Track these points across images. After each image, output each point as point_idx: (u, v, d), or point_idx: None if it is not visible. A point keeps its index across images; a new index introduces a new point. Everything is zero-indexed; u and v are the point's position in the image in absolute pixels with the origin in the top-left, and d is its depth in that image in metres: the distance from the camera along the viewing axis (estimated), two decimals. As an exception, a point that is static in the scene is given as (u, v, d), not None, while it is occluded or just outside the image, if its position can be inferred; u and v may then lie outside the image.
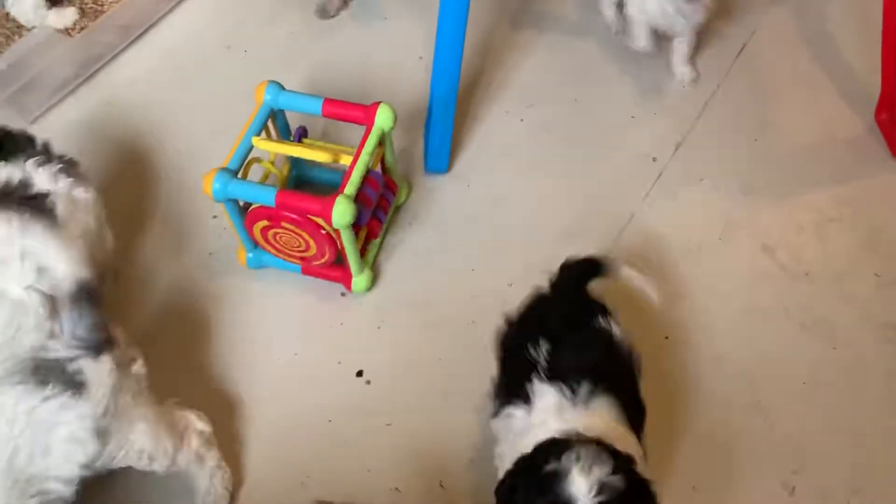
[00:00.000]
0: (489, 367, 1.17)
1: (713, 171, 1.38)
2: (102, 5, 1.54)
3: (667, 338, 1.21)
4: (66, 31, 1.50)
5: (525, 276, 1.26)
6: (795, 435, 1.12)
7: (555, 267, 1.26)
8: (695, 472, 1.09)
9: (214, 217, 1.33)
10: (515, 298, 1.24)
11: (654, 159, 1.39)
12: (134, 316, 1.24)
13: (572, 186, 1.36)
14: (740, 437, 1.12)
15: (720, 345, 1.20)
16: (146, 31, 1.56)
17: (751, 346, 1.20)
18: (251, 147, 1.17)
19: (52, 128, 1.44)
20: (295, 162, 1.34)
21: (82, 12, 1.52)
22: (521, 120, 1.45)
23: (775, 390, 1.16)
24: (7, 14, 1.53)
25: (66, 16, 1.49)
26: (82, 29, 1.49)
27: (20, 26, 1.51)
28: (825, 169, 1.37)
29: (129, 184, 1.38)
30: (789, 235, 1.30)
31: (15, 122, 1.41)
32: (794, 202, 1.35)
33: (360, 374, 1.19)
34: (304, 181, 1.37)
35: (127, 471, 0.98)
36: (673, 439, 1.12)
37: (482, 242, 1.31)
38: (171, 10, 1.59)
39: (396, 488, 1.09)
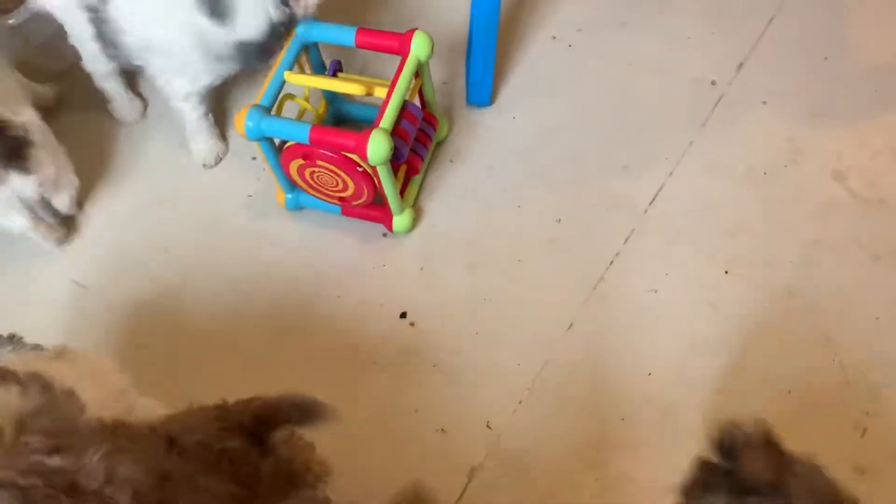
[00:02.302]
0: (535, 307, 1.14)
1: (778, 93, 1.28)
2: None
3: (727, 272, 1.13)
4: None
5: (574, 212, 1.21)
6: (868, 374, 1.05)
7: (604, 202, 1.20)
8: (761, 410, 1.03)
9: (254, 158, 1.30)
10: (564, 234, 1.19)
11: (714, 83, 1.29)
12: (175, 257, 1.23)
13: (624, 115, 1.28)
14: (809, 375, 1.05)
15: (786, 279, 1.12)
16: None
17: (820, 280, 1.12)
18: (283, 82, 1.13)
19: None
20: (332, 98, 1.29)
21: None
22: (570, 46, 1.36)
23: (846, 327, 1.08)
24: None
25: None
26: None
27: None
28: (904, 88, 1.25)
29: (165, 126, 1.36)
30: (863, 161, 1.20)
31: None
32: (868, 125, 1.24)
33: (403, 315, 1.15)
34: (342, 118, 1.32)
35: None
36: (738, 377, 1.06)
37: (528, 177, 1.25)
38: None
39: (442, 429, 1.06)
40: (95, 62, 1.25)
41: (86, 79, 1.30)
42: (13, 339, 0.81)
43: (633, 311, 1.11)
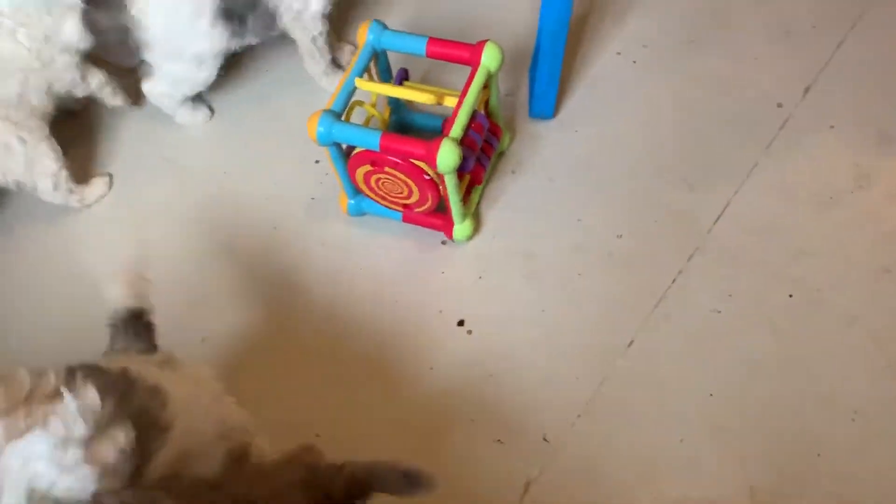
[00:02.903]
0: (595, 322, 1.13)
1: (846, 118, 1.26)
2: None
3: (791, 296, 1.12)
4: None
5: (635, 228, 1.20)
6: (935, 406, 1.03)
7: (667, 219, 1.20)
8: (817, 441, 1.02)
9: (317, 162, 1.32)
10: (625, 250, 1.19)
11: (780, 105, 1.28)
12: (238, 257, 1.25)
13: (689, 134, 1.28)
14: (873, 404, 1.04)
15: (850, 306, 1.11)
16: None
17: (885, 309, 1.10)
18: (354, 88, 1.14)
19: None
20: (395, 106, 1.30)
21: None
22: (634, 62, 1.36)
23: (912, 357, 1.07)
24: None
25: None
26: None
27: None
28: (977, 116, 1.23)
29: (233, 128, 1.38)
30: (933, 188, 1.19)
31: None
32: (938, 153, 1.23)
33: (461, 323, 1.16)
34: (404, 125, 1.33)
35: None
36: (800, 402, 1.05)
37: (589, 191, 1.25)
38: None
39: (499, 440, 1.06)
40: None
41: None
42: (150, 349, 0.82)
43: (695, 331, 1.11)
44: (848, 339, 1.09)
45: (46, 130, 1.22)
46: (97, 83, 1.27)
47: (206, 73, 1.27)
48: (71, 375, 0.68)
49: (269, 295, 1.21)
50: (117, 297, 0.83)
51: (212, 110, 1.39)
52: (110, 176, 1.33)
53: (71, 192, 1.27)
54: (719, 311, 1.12)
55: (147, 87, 1.31)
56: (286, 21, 1.26)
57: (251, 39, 1.27)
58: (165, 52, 1.24)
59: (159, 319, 1.17)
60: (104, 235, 1.29)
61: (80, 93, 1.26)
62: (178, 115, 1.36)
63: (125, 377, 0.71)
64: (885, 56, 1.32)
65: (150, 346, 0.83)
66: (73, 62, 1.20)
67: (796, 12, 1.38)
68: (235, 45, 1.25)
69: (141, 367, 0.73)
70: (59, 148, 1.23)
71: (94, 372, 0.70)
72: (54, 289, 1.24)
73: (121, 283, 0.83)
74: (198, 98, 1.37)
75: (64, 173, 1.24)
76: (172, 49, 1.23)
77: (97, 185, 1.31)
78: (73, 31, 1.17)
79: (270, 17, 1.25)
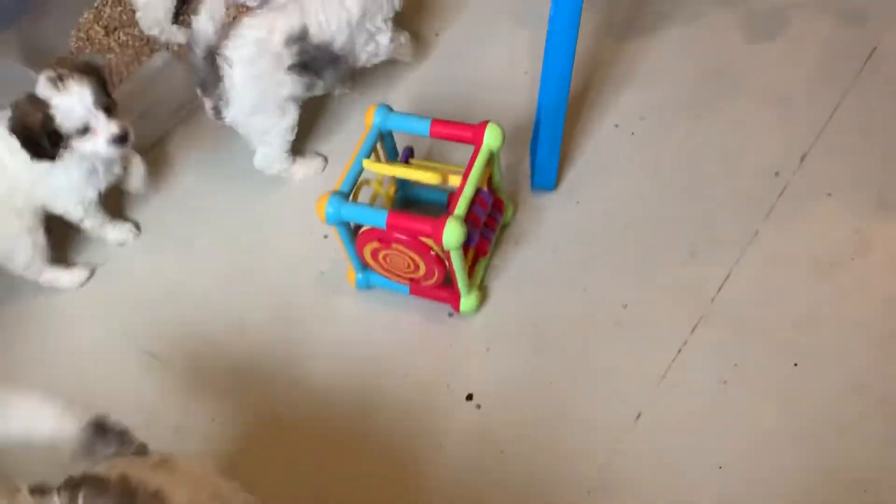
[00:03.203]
0: (603, 394, 1.14)
1: (843, 184, 1.29)
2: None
3: (796, 365, 1.13)
4: (183, 56, 1.55)
5: (640, 297, 1.22)
6: (947, 475, 1.03)
7: (671, 288, 1.21)
8: (832, 512, 1.02)
9: (325, 237, 1.34)
10: (630, 320, 1.20)
11: (777, 173, 1.31)
12: (249, 331, 1.26)
13: (689, 203, 1.30)
14: (883, 476, 1.04)
15: (856, 375, 1.11)
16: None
17: (891, 377, 1.10)
18: (362, 169, 1.17)
19: (166, 151, 1.49)
20: (401, 182, 1.33)
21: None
22: (633, 133, 1.40)
23: (922, 425, 1.07)
24: (127, 41, 1.60)
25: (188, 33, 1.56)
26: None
27: (139, 53, 1.58)
28: (972, 180, 1.26)
29: (244, 208, 1.41)
30: (932, 254, 1.20)
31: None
32: (936, 217, 1.24)
33: (469, 397, 1.17)
34: (410, 201, 1.36)
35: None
36: (810, 474, 1.04)
37: (593, 261, 1.27)
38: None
39: (510, 518, 1.06)
40: None
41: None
42: (125, 437, 0.83)
43: (702, 402, 1.11)
44: (856, 408, 1.09)
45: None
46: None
47: (290, 119, 1.33)
48: (73, 495, 0.69)
49: (278, 370, 1.22)
50: (57, 428, 0.83)
51: (325, 160, 1.43)
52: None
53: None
54: (725, 382, 1.13)
55: (256, 160, 1.38)
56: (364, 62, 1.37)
57: (320, 91, 1.36)
58: (253, 107, 1.29)
59: (167, 394, 1.18)
60: (101, 313, 1.32)
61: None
62: (295, 173, 1.41)
63: (126, 487, 0.72)
64: (878, 122, 1.35)
65: (138, 447, 0.84)
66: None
67: (791, 81, 1.41)
68: (308, 94, 1.34)
69: (139, 471, 0.74)
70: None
71: (95, 487, 0.70)
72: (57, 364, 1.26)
73: (52, 416, 0.84)
74: (306, 153, 1.43)
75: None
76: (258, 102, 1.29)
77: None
78: None
79: (347, 69, 1.36)
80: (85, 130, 1.15)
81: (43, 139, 1.13)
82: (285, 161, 1.39)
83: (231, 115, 1.29)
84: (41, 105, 1.12)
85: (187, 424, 1.19)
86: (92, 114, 1.14)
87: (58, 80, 1.12)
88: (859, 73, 1.41)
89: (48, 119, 1.12)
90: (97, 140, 1.16)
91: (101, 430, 0.83)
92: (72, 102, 1.12)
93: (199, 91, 1.29)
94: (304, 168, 1.41)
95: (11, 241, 1.25)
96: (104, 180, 1.28)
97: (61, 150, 1.16)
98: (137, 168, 1.33)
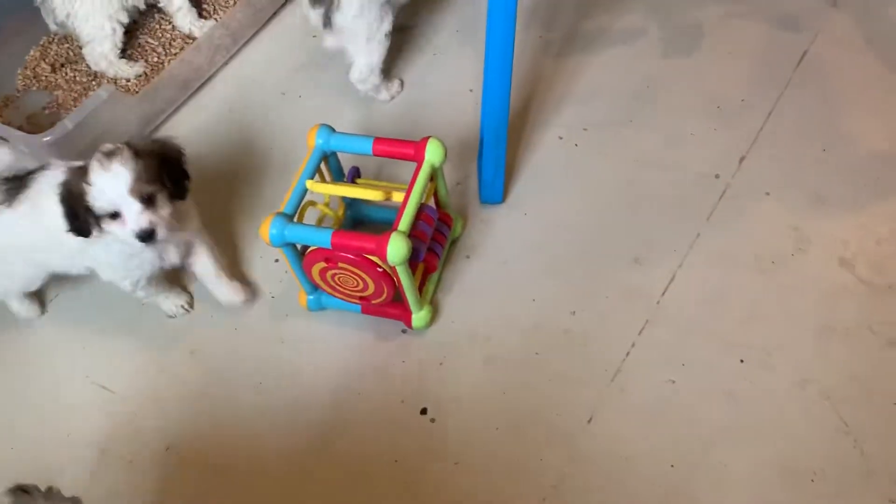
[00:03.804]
0: (555, 400, 1.15)
1: (781, 184, 1.32)
2: (163, 62, 1.61)
3: (742, 361, 1.15)
4: (129, 89, 1.56)
5: (587, 304, 1.24)
6: (891, 462, 1.04)
7: (617, 293, 1.23)
8: (784, 500, 1.03)
9: (276, 261, 1.35)
10: (579, 327, 1.22)
11: (717, 176, 1.34)
12: (200, 359, 1.26)
13: (633, 210, 1.33)
14: (829, 464, 1.05)
15: (800, 367, 1.14)
16: (204, 83, 1.61)
17: (834, 368, 1.13)
18: (305, 190, 1.18)
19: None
20: (350, 202, 1.34)
21: (148, 66, 1.60)
22: (576, 145, 1.42)
23: (864, 413, 1.09)
24: (74, 77, 1.61)
25: (135, 67, 1.58)
26: (144, 85, 1.55)
27: (87, 88, 1.59)
28: (903, 175, 1.30)
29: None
30: (868, 247, 1.23)
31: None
32: (871, 212, 1.28)
33: (424, 411, 1.17)
34: (360, 221, 1.37)
35: None
36: (760, 467, 1.06)
37: (541, 271, 1.28)
38: (226, 63, 1.64)
39: (466, 529, 1.06)
40: None
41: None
42: (50, 494, 0.83)
43: (652, 403, 1.13)
44: (801, 401, 1.11)
45: None
46: None
47: (387, 24, 1.44)
48: None
49: (231, 394, 1.22)
50: None
51: (402, 84, 1.56)
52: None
53: None
54: (674, 381, 1.14)
55: (353, 74, 1.49)
56: None
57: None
58: (360, 7, 1.40)
59: (122, 428, 1.17)
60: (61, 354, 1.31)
61: None
62: (384, 89, 1.52)
63: None
64: (812, 123, 1.39)
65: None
66: None
67: (726, 89, 1.45)
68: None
69: None
70: None
71: None
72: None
73: None
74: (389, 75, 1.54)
75: None
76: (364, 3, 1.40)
77: None
78: None
79: None
80: (116, 215, 1.07)
81: (81, 213, 1.06)
82: (380, 75, 1.49)
83: (340, 19, 1.39)
84: (85, 178, 1.05)
85: (142, 454, 1.17)
86: (124, 200, 1.05)
87: (105, 158, 1.05)
88: (791, 76, 1.45)
89: (85, 195, 1.05)
90: (124, 229, 1.07)
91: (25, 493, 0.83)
92: (105, 184, 1.04)
93: (309, 2, 1.42)
94: (389, 89, 1.52)
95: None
96: (152, 265, 1.19)
97: (97, 229, 1.08)
98: (203, 256, 1.24)
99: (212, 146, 1.52)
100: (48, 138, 1.35)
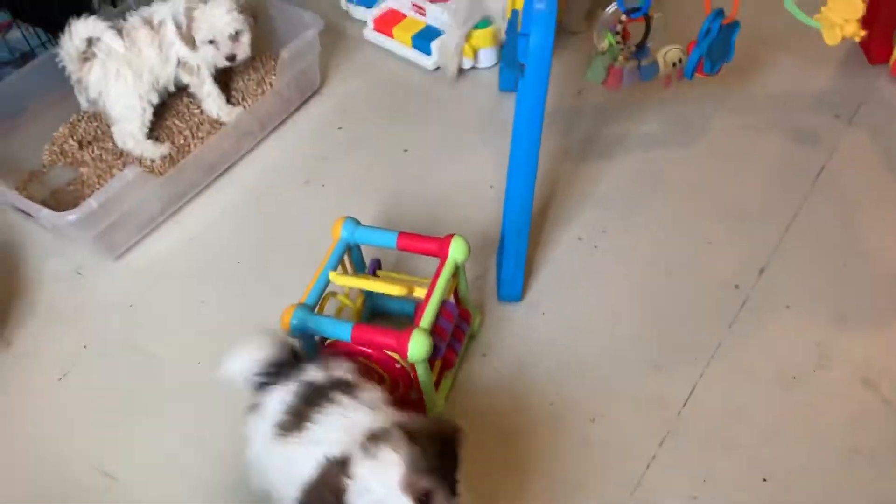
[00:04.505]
0: (574, 513, 1.11)
1: (802, 297, 1.32)
2: (189, 145, 1.63)
3: (765, 480, 1.12)
4: (154, 170, 1.58)
5: (607, 411, 1.21)
6: None
7: (637, 402, 1.21)
8: None
9: (289, 350, 1.33)
10: (597, 434, 1.19)
11: (737, 286, 1.34)
12: (210, 450, 1.22)
13: (653, 315, 1.32)
14: None
15: (824, 490, 1.10)
16: (229, 168, 1.63)
17: (859, 492, 1.10)
18: (328, 282, 1.18)
19: (135, 262, 1.49)
20: (369, 294, 1.34)
21: (174, 147, 1.62)
22: (595, 246, 1.43)
23: (894, 542, 1.05)
24: (100, 155, 1.63)
25: (160, 149, 1.60)
26: (169, 167, 1.56)
27: (112, 167, 1.61)
28: (924, 294, 1.30)
29: (208, 315, 1.40)
30: (892, 367, 1.22)
31: (101, 258, 1.48)
32: (894, 332, 1.27)
33: (435, 517, 1.13)
34: (378, 312, 1.36)
35: None
36: None
37: (559, 374, 1.26)
38: (252, 149, 1.66)
39: None
40: None
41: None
42: None
43: (672, 521, 1.09)
44: (827, 525, 1.07)
45: None
46: None
47: None
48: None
49: (239, 488, 1.18)
50: None
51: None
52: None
53: None
54: (695, 498, 1.11)
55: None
56: None
57: None
58: None
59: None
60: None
61: None
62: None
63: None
64: (831, 237, 1.40)
65: None
66: None
67: (744, 199, 1.47)
68: None
69: None
70: None
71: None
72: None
73: None
74: None
75: None
76: None
77: None
78: None
79: None
80: None
81: None
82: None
83: None
84: (345, 470, 0.83)
85: None
86: (395, 499, 0.81)
87: (371, 443, 0.83)
88: (810, 190, 1.47)
89: (344, 489, 0.82)
90: None
91: None
92: (371, 477, 0.81)
93: None
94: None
95: None
96: None
97: None
98: None
99: (232, 232, 1.53)
100: (73, 217, 1.35)
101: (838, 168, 1.51)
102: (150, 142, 1.61)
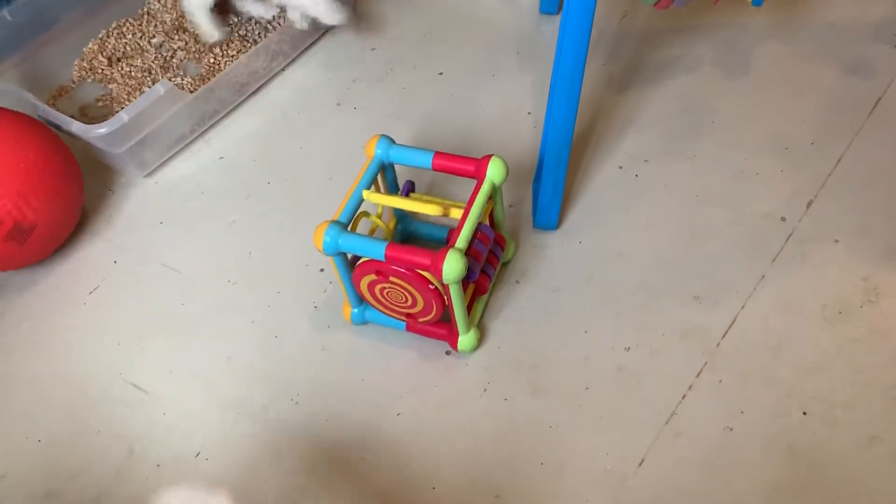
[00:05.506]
0: (604, 440, 1.10)
1: (850, 231, 1.27)
2: (220, 63, 1.59)
3: (805, 414, 1.09)
4: (184, 87, 1.55)
5: (643, 340, 1.18)
6: (965, 533, 0.98)
7: (675, 332, 1.18)
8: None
9: (321, 270, 1.31)
10: (633, 364, 1.16)
11: (784, 219, 1.29)
12: (237, 366, 1.22)
13: (694, 246, 1.28)
14: (898, 532, 0.99)
15: (869, 424, 1.07)
16: (259, 88, 1.59)
17: (904, 428, 1.07)
18: (362, 200, 1.15)
19: (165, 180, 1.48)
20: (401, 216, 1.31)
21: (211, 60, 1.59)
22: (636, 175, 1.38)
23: (937, 479, 1.02)
24: (130, 72, 1.60)
25: (217, 33, 1.57)
26: (200, 84, 1.53)
27: (141, 83, 1.58)
28: (980, 231, 1.24)
29: (238, 233, 1.39)
30: (943, 304, 1.17)
31: (131, 176, 1.47)
32: (944, 268, 1.22)
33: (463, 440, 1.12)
34: (409, 236, 1.34)
35: None
36: (818, 530, 1.00)
37: (595, 303, 1.23)
38: (283, 69, 1.62)
39: (505, 568, 1.00)
40: None
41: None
42: None
43: (707, 450, 1.07)
44: (868, 460, 1.04)
45: None
46: None
47: None
48: None
49: (267, 404, 1.18)
50: None
51: None
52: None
53: None
54: (732, 429, 1.08)
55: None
56: None
57: None
58: None
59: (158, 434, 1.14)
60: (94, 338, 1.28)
61: None
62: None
63: None
64: (884, 171, 1.34)
65: None
66: None
67: (793, 130, 1.41)
68: None
69: None
70: None
71: None
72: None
73: None
74: None
75: None
76: None
77: None
78: None
79: None
80: None
81: None
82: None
83: None
84: None
85: (169, 459, 1.13)
86: None
87: None
88: (864, 123, 1.40)
89: None
90: None
91: None
92: None
93: None
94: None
95: None
96: None
97: None
98: None
99: (263, 151, 1.50)
100: (103, 130, 1.33)
101: (894, 101, 1.43)
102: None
